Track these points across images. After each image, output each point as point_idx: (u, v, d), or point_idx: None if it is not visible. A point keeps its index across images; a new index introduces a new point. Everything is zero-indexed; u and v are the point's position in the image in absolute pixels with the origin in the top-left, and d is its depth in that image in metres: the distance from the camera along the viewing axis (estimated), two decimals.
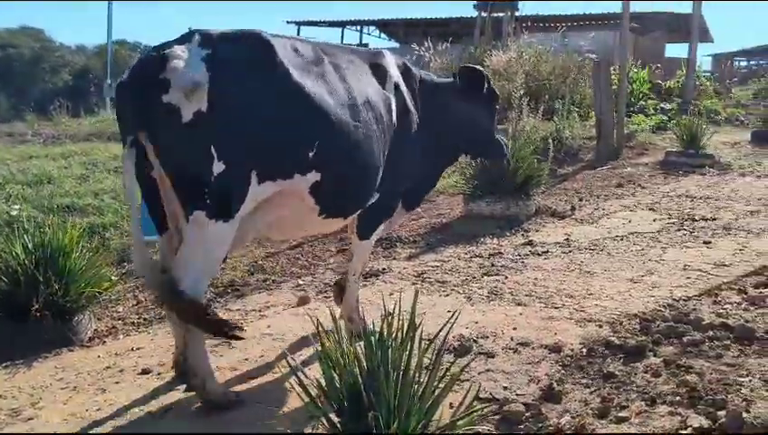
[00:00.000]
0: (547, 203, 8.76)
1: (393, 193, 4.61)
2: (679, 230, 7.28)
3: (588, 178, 10.73)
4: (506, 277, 5.92)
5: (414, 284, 5.89)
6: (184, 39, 3.62)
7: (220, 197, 3.54)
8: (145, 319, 5.65)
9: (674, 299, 5.15)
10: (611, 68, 14.62)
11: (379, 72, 4.47)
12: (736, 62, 46.18)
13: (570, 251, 6.69)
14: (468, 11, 28.89)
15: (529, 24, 25.95)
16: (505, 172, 8.09)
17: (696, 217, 7.74)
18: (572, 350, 4.32)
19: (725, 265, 5.96)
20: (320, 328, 3.00)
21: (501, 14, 26.55)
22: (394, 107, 4.45)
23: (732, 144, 14.20)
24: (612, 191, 9.59)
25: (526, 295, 5.43)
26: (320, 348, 2.98)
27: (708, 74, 30.03)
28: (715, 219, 7.64)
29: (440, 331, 3.08)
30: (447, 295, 5.54)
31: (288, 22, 38.10)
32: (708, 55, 48.24)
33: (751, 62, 45.23)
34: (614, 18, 24.80)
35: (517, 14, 26.63)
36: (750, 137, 14.78)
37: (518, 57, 19.63)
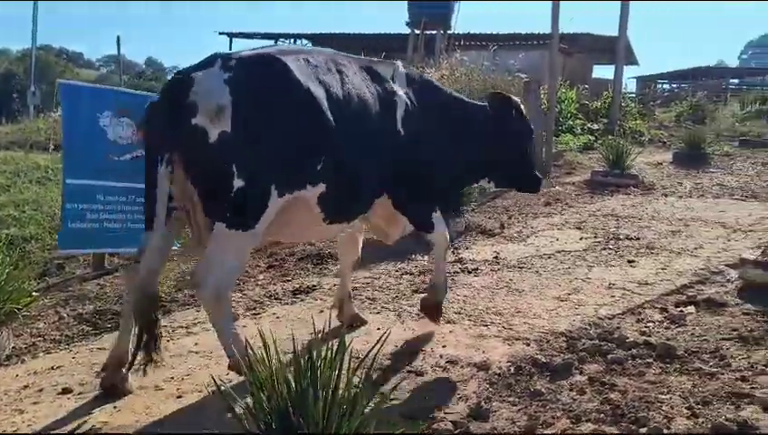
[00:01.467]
0: (477, 220, 8.86)
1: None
2: (604, 249, 7.45)
3: (517, 195, 10.87)
4: (450, 289, 5.95)
5: None
6: (207, 63, 3.93)
7: (239, 210, 3.88)
8: (66, 336, 5.50)
9: (599, 317, 5.26)
10: (540, 87, 14.92)
11: (388, 86, 4.74)
12: (660, 85, 47.80)
13: (499, 269, 6.77)
14: (401, 28, 29.11)
15: (461, 42, 26.30)
16: None
17: (621, 236, 7.94)
18: (500, 368, 4.37)
19: (648, 284, 6.12)
20: (248, 347, 2.96)
21: (433, 32, 26.91)
22: (400, 118, 4.70)
23: (655, 164, 14.62)
24: (540, 210, 9.76)
25: (456, 313, 5.47)
26: (247, 369, 2.94)
27: (633, 96, 30.99)
28: (638, 238, 7.84)
29: (371, 350, 3.07)
30: (378, 313, 5.55)
31: (220, 33, 37.79)
32: (633, 78, 49.72)
33: (673, 85, 46.91)
34: (543, 39, 25.37)
35: (449, 32, 26.99)
36: (672, 157, 15.25)
37: (450, 74, 19.86)
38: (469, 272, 6.70)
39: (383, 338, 3.18)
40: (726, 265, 6.54)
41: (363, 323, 5.31)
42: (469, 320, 5.31)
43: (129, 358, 4.12)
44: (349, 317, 5.28)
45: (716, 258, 6.91)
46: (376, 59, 5.03)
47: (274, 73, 4.04)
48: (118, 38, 27.06)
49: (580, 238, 7.99)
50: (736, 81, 48.90)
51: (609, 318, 5.26)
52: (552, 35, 14.38)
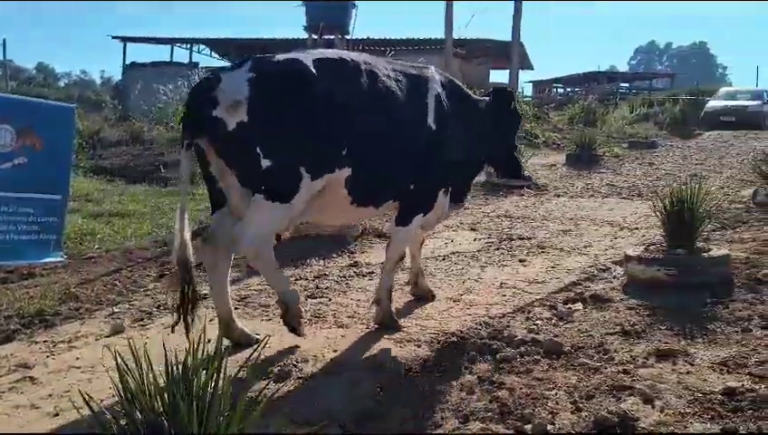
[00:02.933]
0: (373, 224, 8.85)
1: (429, 190, 5.36)
2: (498, 249, 7.57)
3: None
4: (330, 299, 5.91)
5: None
6: (240, 64, 4.63)
7: (272, 184, 4.54)
8: None
9: (490, 317, 5.32)
10: None
11: (421, 84, 5.25)
12: (555, 89, 49.29)
13: None
14: (299, 33, 29.02)
15: (360, 47, 26.39)
16: None
17: (514, 236, 8.09)
18: (391, 370, 4.34)
19: (538, 283, 6.24)
20: (118, 360, 2.82)
21: (332, 37, 26.94)
22: (432, 115, 5.21)
23: (549, 166, 15.02)
24: None
25: (349, 317, 5.43)
26: (119, 382, 2.80)
27: (529, 99, 31.81)
28: (530, 238, 8.01)
29: (250, 356, 2.98)
30: (269, 320, 5.45)
31: (113, 37, 36.73)
32: (529, 82, 51.17)
33: (567, 90, 48.42)
34: (441, 44, 25.78)
35: (348, 37, 27.07)
36: (565, 159, 15.72)
37: None
38: (364, 275, 6.68)
39: (262, 344, 3.08)
40: (613, 262, 6.75)
41: (434, 297, 5.97)
42: (362, 323, 5.27)
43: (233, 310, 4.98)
44: (423, 291, 6.02)
45: (604, 256, 7.12)
46: (411, 63, 5.50)
47: (293, 72, 4.61)
48: (3, 41, 25.90)
49: (475, 239, 8.09)
50: (626, 85, 50.91)
51: (500, 317, 5.32)
52: (446, 39, 14.57)
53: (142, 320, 5.60)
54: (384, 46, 26.11)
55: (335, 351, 4.70)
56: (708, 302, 5.39)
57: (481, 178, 6.25)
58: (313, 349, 4.74)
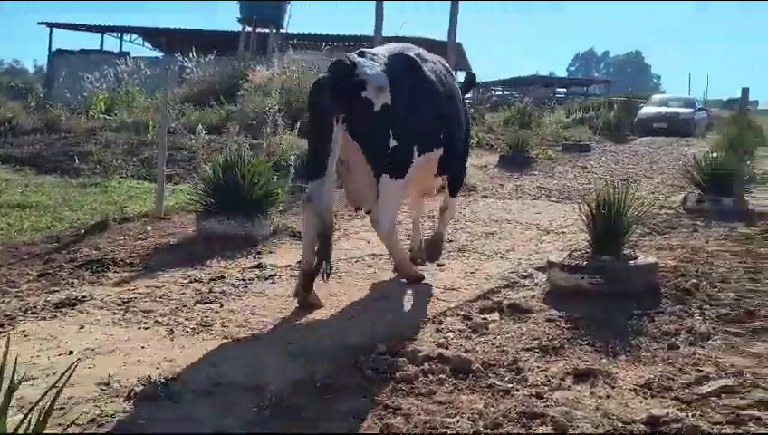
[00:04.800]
0: (287, 222, 8.26)
1: (464, 164, 6.77)
2: None
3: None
4: (222, 305, 5.28)
5: (115, 314, 5.08)
6: (360, 56, 5.25)
7: (397, 164, 5.33)
8: None
9: (395, 327, 4.78)
10: None
11: (449, 70, 6.28)
12: (493, 91, 49.29)
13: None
14: (234, 24, 28.14)
15: (295, 41, 25.73)
16: (241, 188, 7.51)
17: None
18: (275, 390, 3.76)
19: (454, 289, 5.74)
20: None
21: (266, 30, 26.21)
22: (460, 96, 6.33)
23: (480, 167, 14.63)
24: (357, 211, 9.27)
25: (238, 326, 4.81)
26: None
27: (467, 100, 31.51)
28: (451, 241, 7.52)
29: (60, 375, 2.37)
30: (147, 328, 4.79)
31: (40, 23, 35.28)
32: None
33: (505, 92, 48.44)
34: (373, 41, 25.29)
35: (282, 31, 26.38)
36: (497, 160, 15.37)
37: (281, 73, 19.26)
38: (266, 279, 6.07)
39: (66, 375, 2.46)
40: (536, 268, 6.30)
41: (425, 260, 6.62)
42: (251, 334, 4.67)
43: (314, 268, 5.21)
44: (420, 257, 6.60)
45: (527, 261, 6.67)
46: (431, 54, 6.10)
47: (415, 65, 5.54)
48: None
49: None
50: (564, 90, 51.31)
51: (407, 328, 4.78)
52: (375, 37, 14.04)
53: (2, 326, 4.88)
54: (319, 41, 25.53)
55: (214, 367, 4.09)
56: (634, 314, 4.97)
57: None
58: (190, 364, 4.12)
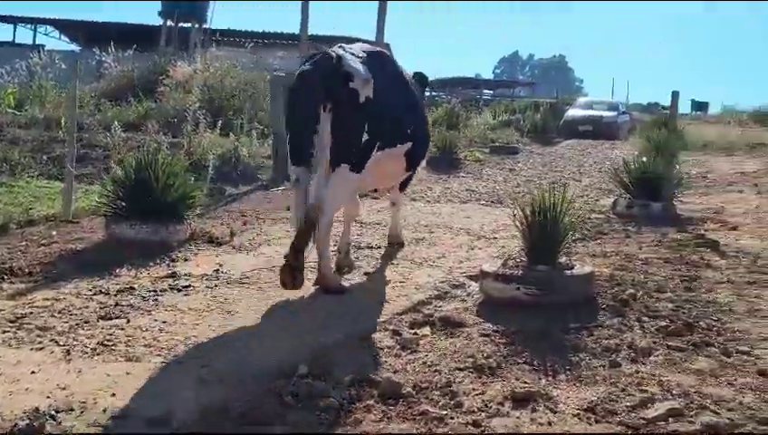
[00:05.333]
0: (205, 227, 7.77)
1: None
2: None
3: (260, 199, 9.95)
4: (128, 321, 4.79)
5: (5, 332, 4.54)
6: (340, 49, 5.47)
7: (360, 158, 5.40)
8: None
9: (319, 347, 4.39)
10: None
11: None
12: (426, 93, 49.16)
13: (216, 285, 5.74)
14: (155, 19, 27.18)
15: (219, 37, 25.02)
16: (154, 190, 7.00)
17: (362, 245, 7.23)
18: (183, 420, 3.34)
19: (383, 302, 5.38)
20: None
21: (189, 25, 25.42)
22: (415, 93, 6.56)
23: None
24: (281, 215, 8.81)
25: (145, 346, 4.33)
26: None
27: None
28: (379, 247, 7.18)
29: None
30: (41, 349, 4.27)
31: None
32: None
33: (433, 93, 48.37)
34: (310, 40, 24.79)
35: (205, 26, 25.63)
36: (425, 163, 15.08)
37: (204, 70, 18.66)
38: (179, 290, 5.58)
39: None
40: (468, 277, 6.00)
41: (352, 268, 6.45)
42: (159, 356, 4.19)
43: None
44: (346, 265, 6.43)
45: (458, 269, 6.37)
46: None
47: (387, 62, 6.02)
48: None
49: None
50: (490, 92, 51.66)
51: (331, 348, 4.40)
52: (301, 36, 13.60)
53: None
54: (244, 38, 24.87)
55: (113, 395, 3.62)
56: (572, 327, 4.71)
57: None
58: (86, 391, 3.64)
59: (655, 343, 4.45)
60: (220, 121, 13.93)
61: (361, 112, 5.31)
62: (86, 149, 13.00)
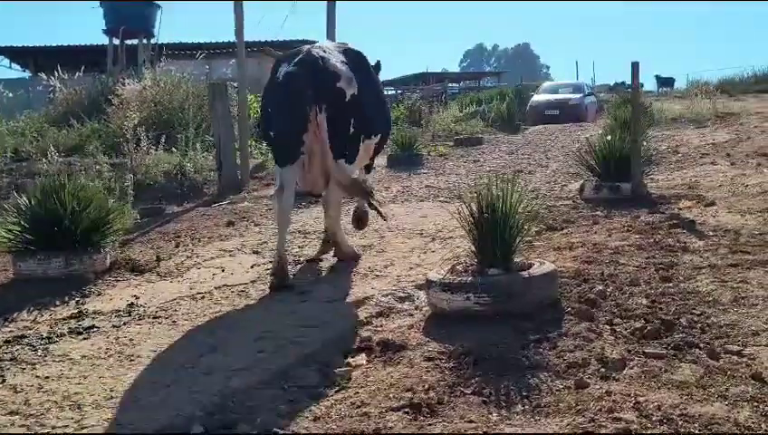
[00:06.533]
0: (131, 253, 7.00)
1: None
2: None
3: (198, 217, 9.15)
4: (3, 381, 4.01)
5: None
6: (315, 46, 5.92)
7: (352, 151, 5.89)
8: None
9: (229, 392, 3.64)
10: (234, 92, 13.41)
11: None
12: (386, 91, 48.45)
13: (125, 323, 4.96)
14: (99, 38, 26.24)
15: (167, 51, 24.14)
16: (62, 219, 6.21)
17: (301, 259, 6.48)
18: None
19: (315, 326, 4.64)
20: None
21: (135, 42, 24.49)
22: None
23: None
24: (219, 232, 8.06)
25: (9, 413, 3.55)
26: None
27: None
28: (321, 259, 6.44)
29: None
30: None
31: None
32: None
33: (398, 91, 47.66)
34: (255, 46, 23.96)
35: (153, 41, 24.70)
36: (386, 161, 14.38)
37: (153, 85, 17.86)
38: (80, 333, 4.79)
39: None
40: (416, 287, 5.28)
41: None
42: (24, 425, 3.42)
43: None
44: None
45: (407, 277, 5.65)
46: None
47: (362, 60, 6.17)
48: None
49: (253, 266, 6.40)
50: (456, 85, 51.02)
51: (245, 391, 3.65)
52: (237, 41, 12.84)
53: None
54: (195, 49, 24.00)
55: None
56: (532, 339, 3.99)
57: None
58: None
59: (629, 351, 3.75)
60: (164, 137, 13.15)
61: (348, 110, 5.61)
62: (26, 179, 12.19)
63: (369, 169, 7.18)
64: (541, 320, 4.29)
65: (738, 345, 3.76)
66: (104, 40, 25.20)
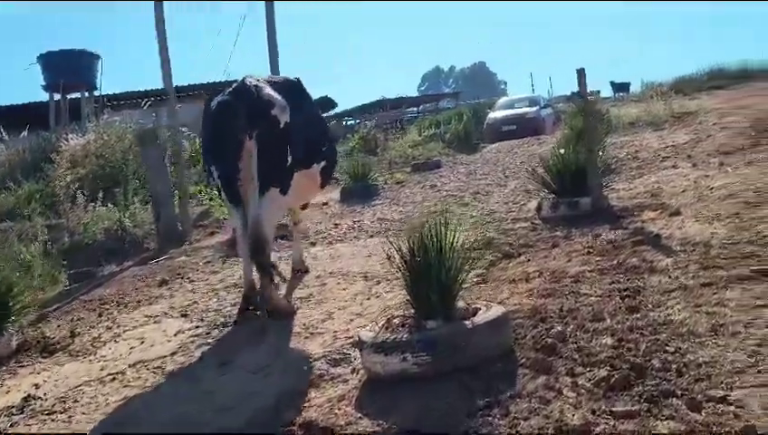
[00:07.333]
0: (47, 329, 6.28)
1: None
2: (204, 345, 5.24)
3: (129, 278, 8.42)
4: None
5: None
6: (243, 80, 5.54)
7: (286, 179, 5.59)
8: None
9: None
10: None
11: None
12: (346, 122, 47.97)
13: (14, 423, 4.25)
14: (38, 94, 25.44)
15: (111, 102, 23.46)
16: None
17: (220, 321, 5.79)
18: None
19: (227, 409, 3.95)
20: None
21: (77, 96, 23.73)
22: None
23: (321, 205, 12.94)
24: (150, 294, 7.34)
25: None
26: None
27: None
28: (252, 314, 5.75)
29: None
30: None
31: None
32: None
33: (357, 121, 47.16)
34: (205, 89, 23.33)
35: (97, 93, 23.96)
36: (339, 195, 13.76)
37: (97, 138, 17.18)
38: None
39: None
40: (353, 344, 4.61)
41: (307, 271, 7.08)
42: None
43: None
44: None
45: (346, 333, 4.98)
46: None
47: (296, 88, 6.14)
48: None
49: (177, 333, 5.69)
50: (415, 109, 50.69)
51: None
52: (167, 90, 12.23)
53: None
54: (140, 98, 23.33)
55: None
56: (480, 405, 3.36)
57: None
58: None
59: (594, 411, 3.13)
60: (101, 192, 12.43)
61: (283, 137, 5.44)
62: None
63: (305, 206, 7.25)
64: (491, 375, 3.68)
65: (722, 389, 3.18)
66: (46, 96, 24.44)
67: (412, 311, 4.13)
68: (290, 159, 5.56)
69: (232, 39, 43.52)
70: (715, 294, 4.38)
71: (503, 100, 29.74)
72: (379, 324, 4.14)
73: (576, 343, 3.95)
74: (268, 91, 5.46)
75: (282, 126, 5.41)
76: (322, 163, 6.33)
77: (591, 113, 8.89)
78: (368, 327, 4.20)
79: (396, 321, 4.14)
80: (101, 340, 5.85)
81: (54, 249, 10.69)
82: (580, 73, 7.69)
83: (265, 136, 5.29)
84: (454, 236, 4.14)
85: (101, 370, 5.02)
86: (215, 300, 6.56)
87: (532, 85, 49.57)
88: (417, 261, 4.01)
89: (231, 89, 5.55)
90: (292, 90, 5.96)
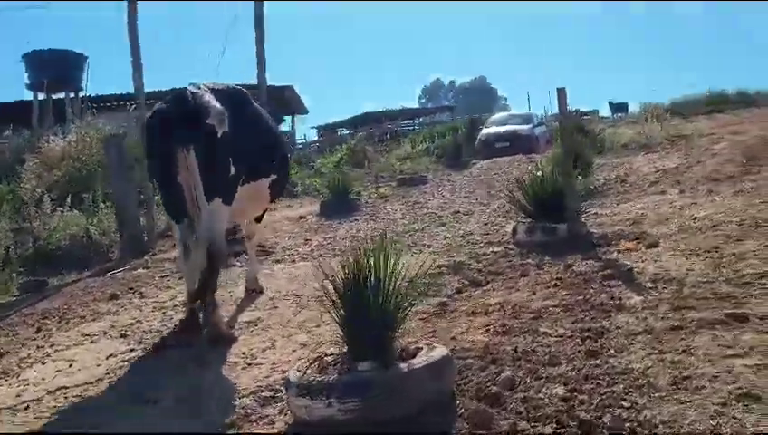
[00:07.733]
0: None
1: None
2: (130, 373, 4.84)
3: (79, 290, 8.00)
4: None
5: None
6: (195, 87, 5.35)
7: (229, 190, 5.40)
8: None
9: None
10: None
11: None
12: (339, 132, 47.66)
13: None
14: (25, 93, 25.00)
15: (97, 103, 23.09)
16: None
17: (166, 346, 5.39)
18: None
19: None
20: None
21: (62, 96, 23.36)
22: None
23: (297, 219, 12.58)
24: (96, 309, 6.92)
25: None
26: None
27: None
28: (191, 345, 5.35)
29: None
30: None
31: None
32: (315, 127, 49.61)
33: (350, 131, 46.81)
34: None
35: (82, 94, 23.60)
36: (319, 208, 13.38)
37: (79, 140, 16.81)
38: None
39: None
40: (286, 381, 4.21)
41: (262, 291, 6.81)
42: None
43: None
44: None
45: (286, 365, 4.57)
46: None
47: (241, 98, 5.97)
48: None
49: (110, 356, 5.27)
50: (411, 121, 50.40)
51: None
52: (139, 95, 11.89)
53: None
54: (126, 101, 22.96)
55: None
56: None
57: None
58: None
59: None
60: (69, 197, 12.02)
61: (223, 146, 5.20)
62: None
63: (259, 219, 7.03)
64: (426, 426, 3.27)
65: None
66: (21, 95, 24.13)
67: (346, 349, 3.73)
68: (233, 169, 5.38)
69: (229, 43, 43.23)
70: (682, 339, 4.00)
71: (496, 116, 29.40)
72: (309, 362, 3.74)
73: (526, 391, 3.56)
74: (207, 99, 5.23)
75: (219, 135, 5.17)
76: (272, 177, 6.24)
77: (569, 134, 8.52)
78: (296, 366, 3.79)
79: (328, 359, 3.75)
80: (29, 360, 5.42)
81: (17, 255, 10.27)
82: (560, 92, 7.33)
83: (202, 145, 5.06)
84: (395, 265, 3.74)
85: (17, 396, 4.59)
86: (159, 319, 6.15)
87: (529, 103, 49.32)
88: (353, 292, 3.62)
89: (170, 97, 5.43)
90: (235, 99, 5.79)
